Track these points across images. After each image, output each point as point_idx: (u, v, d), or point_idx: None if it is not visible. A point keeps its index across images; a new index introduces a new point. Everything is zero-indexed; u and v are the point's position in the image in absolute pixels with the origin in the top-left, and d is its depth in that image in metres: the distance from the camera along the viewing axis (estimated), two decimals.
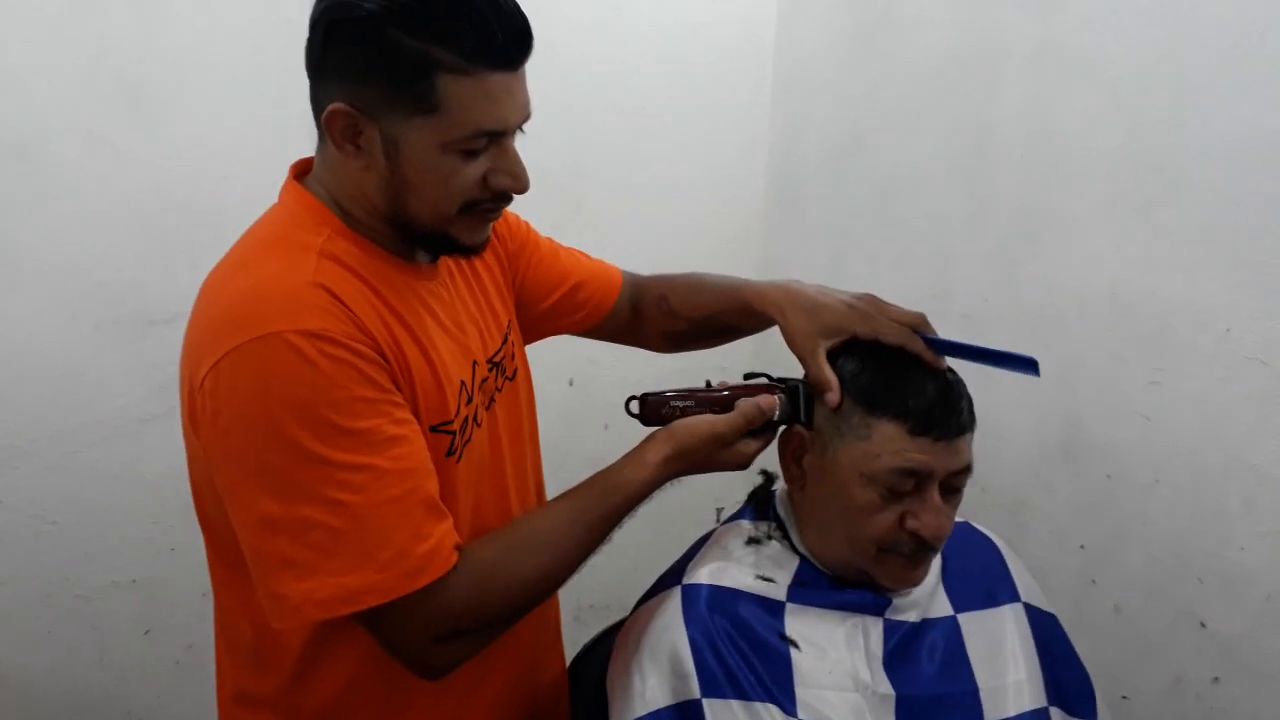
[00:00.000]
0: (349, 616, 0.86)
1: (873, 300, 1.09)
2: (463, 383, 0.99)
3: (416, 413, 0.93)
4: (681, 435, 0.99)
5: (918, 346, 1.04)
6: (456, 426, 0.97)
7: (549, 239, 1.30)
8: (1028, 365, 1.02)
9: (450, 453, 0.96)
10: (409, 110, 0.87)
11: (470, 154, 0.91)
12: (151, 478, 1.80)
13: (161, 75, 1.70)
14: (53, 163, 1.65)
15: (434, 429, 0.94)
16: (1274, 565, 1.29)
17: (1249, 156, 1.29)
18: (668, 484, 1.01)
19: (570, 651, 1.30)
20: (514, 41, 0.89)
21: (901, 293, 1.86)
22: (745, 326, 1.26)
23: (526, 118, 0.95)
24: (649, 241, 2.20)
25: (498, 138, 0.92)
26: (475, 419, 1.01)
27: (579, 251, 1.34)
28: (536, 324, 1.27)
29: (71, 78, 1.64)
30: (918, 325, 1.06)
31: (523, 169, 0.96)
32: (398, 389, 0.90)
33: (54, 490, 1.74)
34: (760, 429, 1.02)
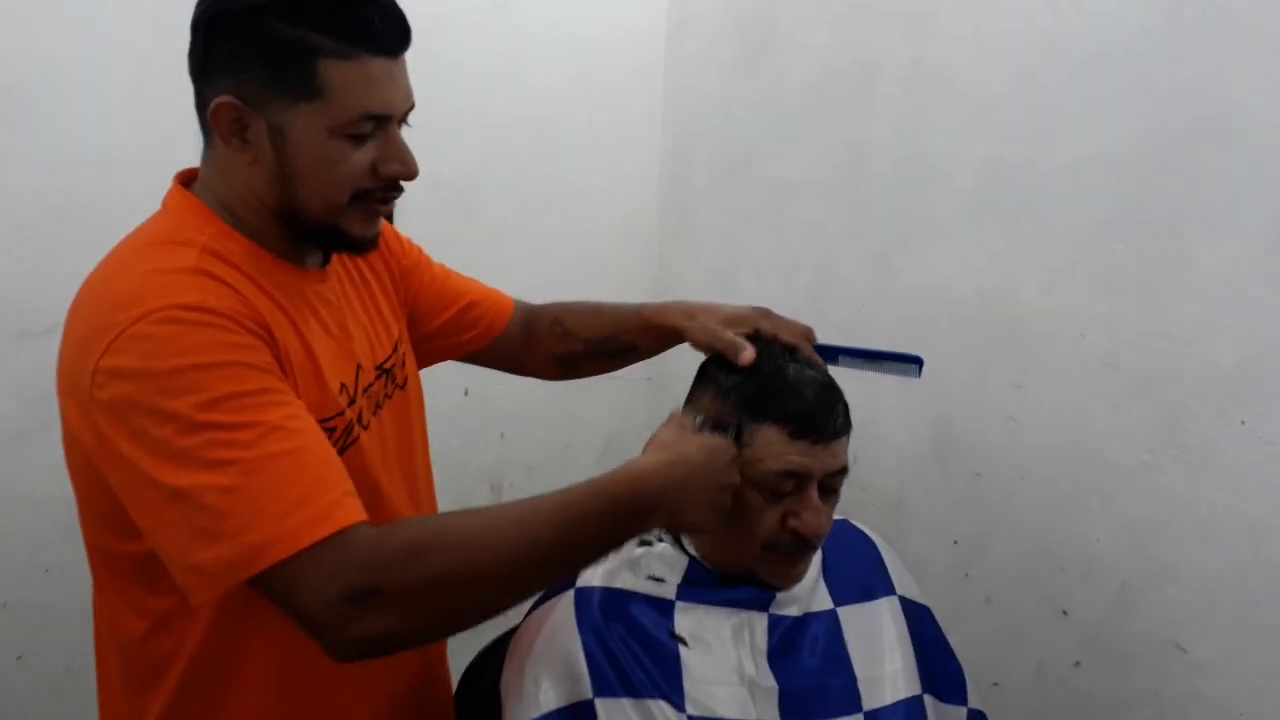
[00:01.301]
0: (256, 584, 0.82)
1: (768, 309, 1.19)
2: (343, 384, 0.99)
3: None
4: (684, 449, 0.97)
5: (809, 349, 1.14)
6: (337, 425, 0.97)
7: (442, 264, 1.32)
8: (911, 363, 1.12)
9: None
10: (293, 97, 0.89)
11: (357, 139, 0.92)
12: (26, 496, 1.73)
13: (35, 79, 1.64)
14: None
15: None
16: (1128, 555, 1.39)
17: (1101, 172, 1.39)
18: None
19: (465, 660, 1.31)
20: (392, 27, 0.91)
21: (787, 301, 1.92)
22: (642, 345, 1.30)
23: (410, 106, 0.97)
24: (541, 252, 2.23)
25: (383, 124, 0.93)
26: (360, 421, 1.01)
27: (471, 278, 1.36)
28: (428, 342, 1.28)
29: None
30: (808, 335, 1.18)
31: (410, 155, 0.97)
32: (282, 374, 0.90)
33: None
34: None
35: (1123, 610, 1.39)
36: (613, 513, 0.90)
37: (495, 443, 2.14)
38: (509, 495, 2.23)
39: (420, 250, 1.29)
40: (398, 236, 1.25)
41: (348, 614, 0.80)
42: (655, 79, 2.32)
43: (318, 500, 0.81)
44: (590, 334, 1.32)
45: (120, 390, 0.82)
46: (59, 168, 1.67)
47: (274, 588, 0.81)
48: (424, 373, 1.27)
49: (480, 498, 2.22)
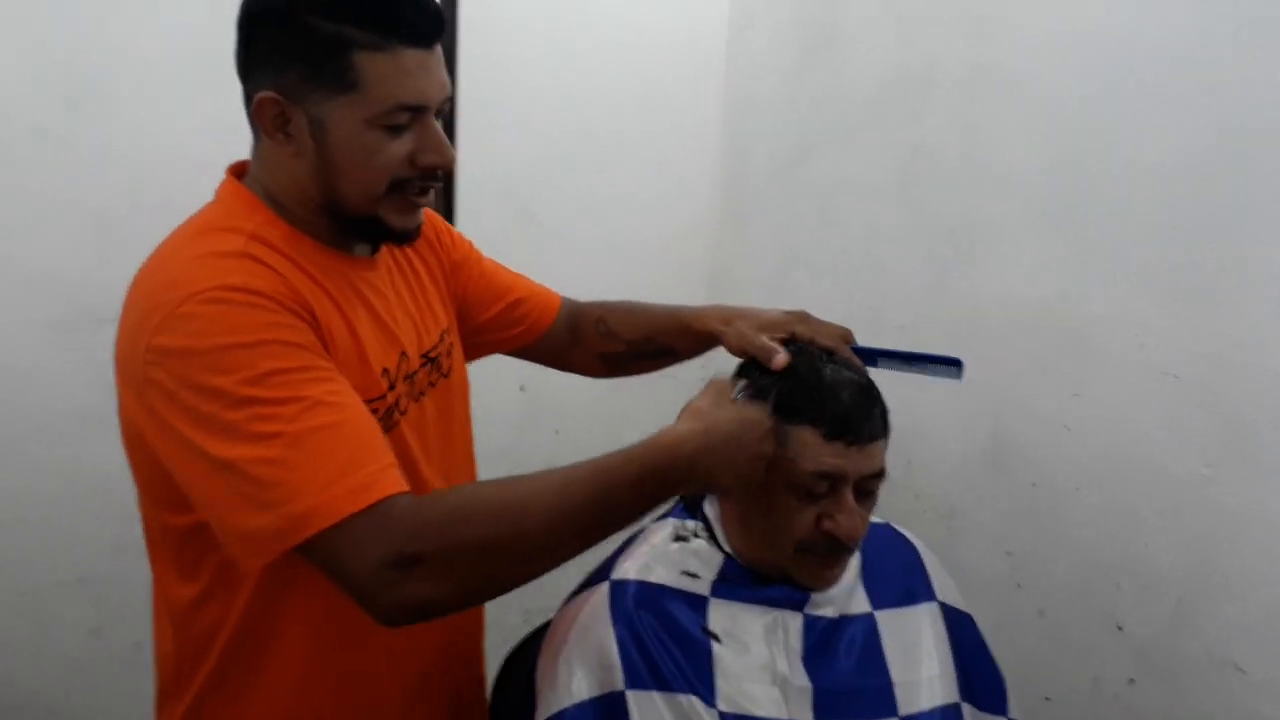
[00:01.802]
0: (304, 553, 0.84)
1: (806, 313, 1.19)
2: (385, 369, 1.01)
3: None
4: (718, 417, 0.98)
5: (847, 351, 1.13)
6: (379, 408, 0.99)
7: (492, 260, 1.35)
8: (952, 366, 1.11)
9: None
10: (331, 90, 0.92)
11: (393, 130, 0.95)
12: (100, 476, 1.80)
13: (109, 72, 1.72)
14: (1, 160, 1.66)
15: None
16: (1186, 570, 1.35)
17: (1163, 179, 1.35)
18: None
19: (496, 637, 1.34)
20: (424, 18, 0.94)
21: (841, 305, 1.93)
22: (680, 348, 1.31)
23: (446, 96, 0.99)
24: (600, 251, 2.25)
25: (419, 114, 0.96)
26: (400, 407, 1.03)
27: (521, 274, 1.38)
28: (476, 335, 1.30)
29: (18, 75, 1.66)
30: (847, 337, 1.16)
31: (447, 145, 0.99)
32: (325, 352, 0.92)
33: (1, 489, 1.75)
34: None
35: (1179, 627, 1.36)
36: (646, 479, 0.91)
37: (549, 438, 2.16)
38: None
39: (471, 245, 1.31)
40: (450, 230, 1.28)
41: (393, 579, 0.82)
42: (715, 80, 2.32)
43: (360, 470, 0.84)
44: (632, 334, 1.33)
45: (170, 367, 0.85)
46: (131, 159, 1.75)
47: (320, 556, 0.84)
48: (480, 368, 1.30)
49: None
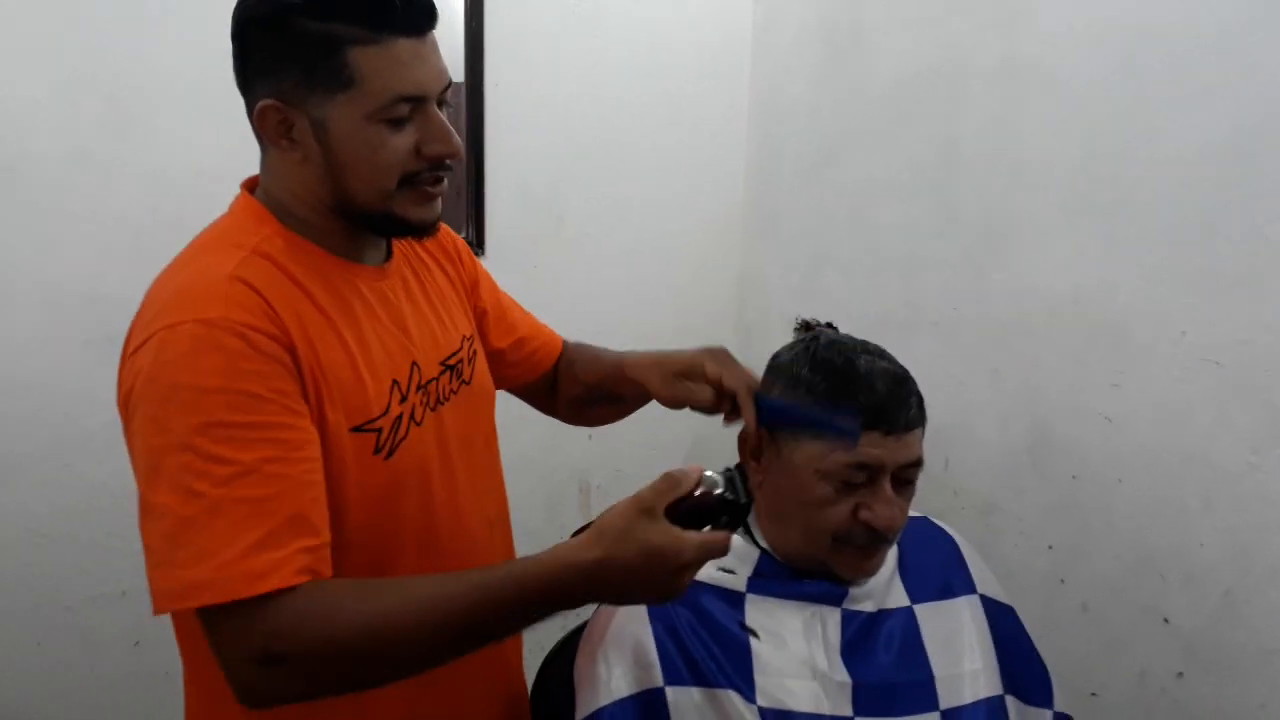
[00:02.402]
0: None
1: (725, 351, 1.16)
2: (395, 381, 1.00)
3: (328, 413, 0.93)
4: (622, 541, 0.86)
5: (747, 401, 1.08)
6: (384, 424, 0.98)
7: (506, 294, 1.34)
8: (848, 431, 1.02)
9: (378, 450, 0.97)
10: (328, 90, 0.92)
11: (395, 123, 0.94)
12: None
13: (149, 93, 1.74)
14: (41, 181, 1.69)
15: (356, 429, 0.95)
16: (1232, 561, 1.32)
17: (1201, 166, 1.34)
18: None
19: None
20: (413, 6, 0.93)
21: (876, 304, 1.91)
22: (626, 395, 1.27)
23: (445, 85, 0.98)
24: (630, 255, 2.25)
25: (420, 105, 0.95)
26: (414, 417, 1.02)
27: (529, 313, 1.37)
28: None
29: (59, 95, 1.69)
30: (751, 386, 1.10)
31: (452, 134, 0.98)
32: (303, 391, 0.91)
33: (45, 503, 1.78)
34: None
35: (1227, 618, 1.33)
36: (527, 600, 0.86)
37: (584, 444, 2.16)
38: (597, 496, 2.26)
39: (489, 275, 1.31)
40: (469, 252, 1.28)
41: (254, 674, 0.83)
42: (741, 81, 2.32)
43: (266, 555, 0.82)
44: (588, 378, 1.31)
45: (136, 385, 0.87)
46: (170, 179, 1.77)
47: (204, 625, 0.84)
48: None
49: (569, 498, 2.25)
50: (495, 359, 1.28)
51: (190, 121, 1.77)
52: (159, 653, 1.88)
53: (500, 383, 1.31)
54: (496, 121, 1.95)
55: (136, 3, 1.72)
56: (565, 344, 1.37)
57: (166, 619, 1.81)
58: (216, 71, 1.75)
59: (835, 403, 1.03)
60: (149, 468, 0.84)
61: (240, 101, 1.76)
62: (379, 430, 0.97)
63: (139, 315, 0.93)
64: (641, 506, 0.86)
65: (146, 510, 0.85)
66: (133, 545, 1.80)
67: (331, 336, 0.95)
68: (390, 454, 0.98)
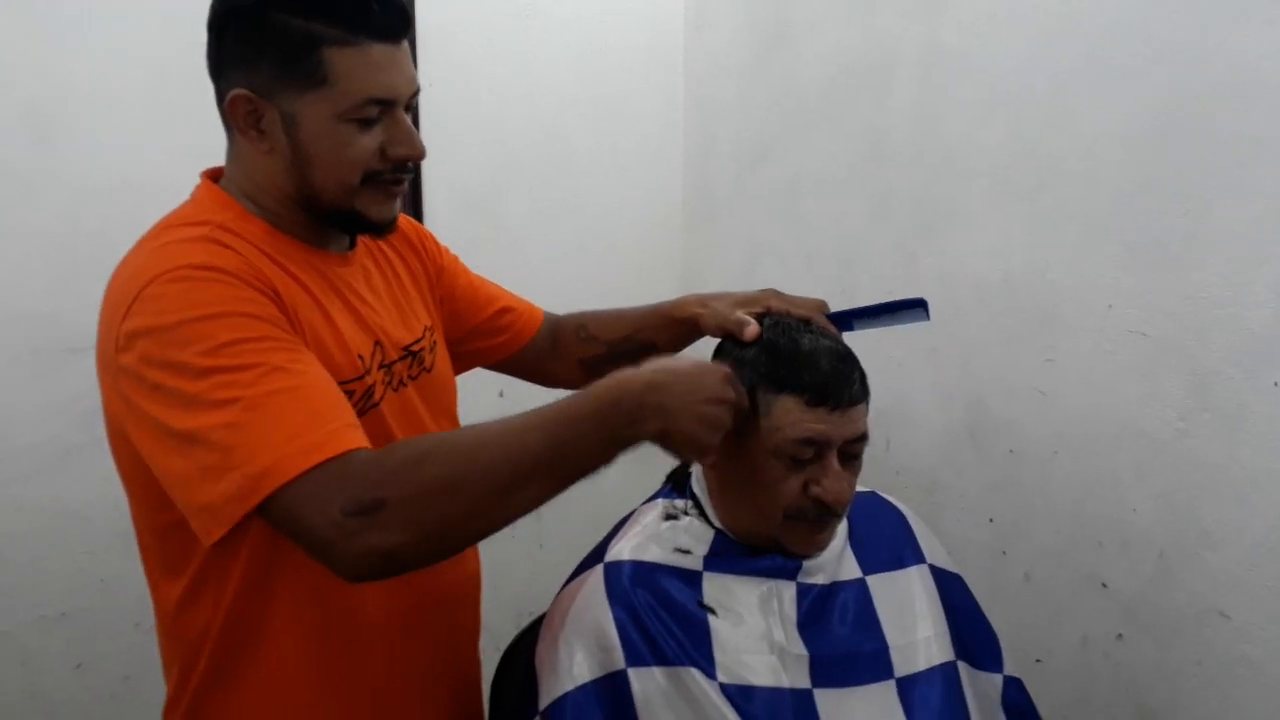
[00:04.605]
0: (267, 519, 0.84)
1: (777, 290, 1.22)
2: (360, 355, 1.02)
3: None
4: (670, 360, 0.97)
5: (823, 321, 1.17)
6: (355, 389, 1.00)
7: (478, 274, 1.36)
8: (918, 308, 1.16)
9: None
10: (301, 86, 0.94)
11: (364, 123, 0.96)
12: (79, 508, 1.79)
13: (67, 105, 1.71)
14: None
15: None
16: (1165, 525, 1.37)
17: (1120, 146, 1.39)
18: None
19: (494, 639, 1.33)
20: (391, 14, 0.96)
21: (813, 291, 1.93)
22: (662, 340, 1.31)
23: (415, 90, 1.01)
24: (569, 255, 2.26)
25: (389, 108, 0.98)
26: (373, 395, 1.03)
27: (505, 289, 1.40)
28: (460, 344, 1.31)
29: None
30: (822, 307, 1.20)
31: (417, 137, 1.01)
32: (290, 328, 0.93)
33: None
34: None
35: (1163, 580, 1.38)
36: (599, 413, 0.91)
37: None
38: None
39: (457, 259, 1.33)
40: (434, 239, 1.30)
41: (354, 528, 0.81)
42: (675, 81, 2.35)
43: (319, 429, 0.84)
44: (612, 335, 1.35)
45: (137, 349, 0.87)
46: (93, 190, 1.74)
47: (281, 515, 0.83)
48: (458, 375, 1.30)
49: None
50: (480, 332, 1.32)
51: (113, 132, 1.74)
52: (102, 674, 1.85)
53: (489, 356, 1.35)
54: (431, 123, 1.93)
55: (55, 11, 1.68)
56: (547, 315, 1.40)
57: (113, 638, 1.79)
58: (140, 82, 1.75)
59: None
60: (177, 404, 0.84)
61: (166, 114, 1.75)
62: (352, 392, 0.98)
63: (108, 298, 0.93)
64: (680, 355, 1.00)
65: (185, 444, 0.84)
66: (72, 565, 1.78)
67: (307, 299, 0.98)
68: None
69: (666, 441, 0.95)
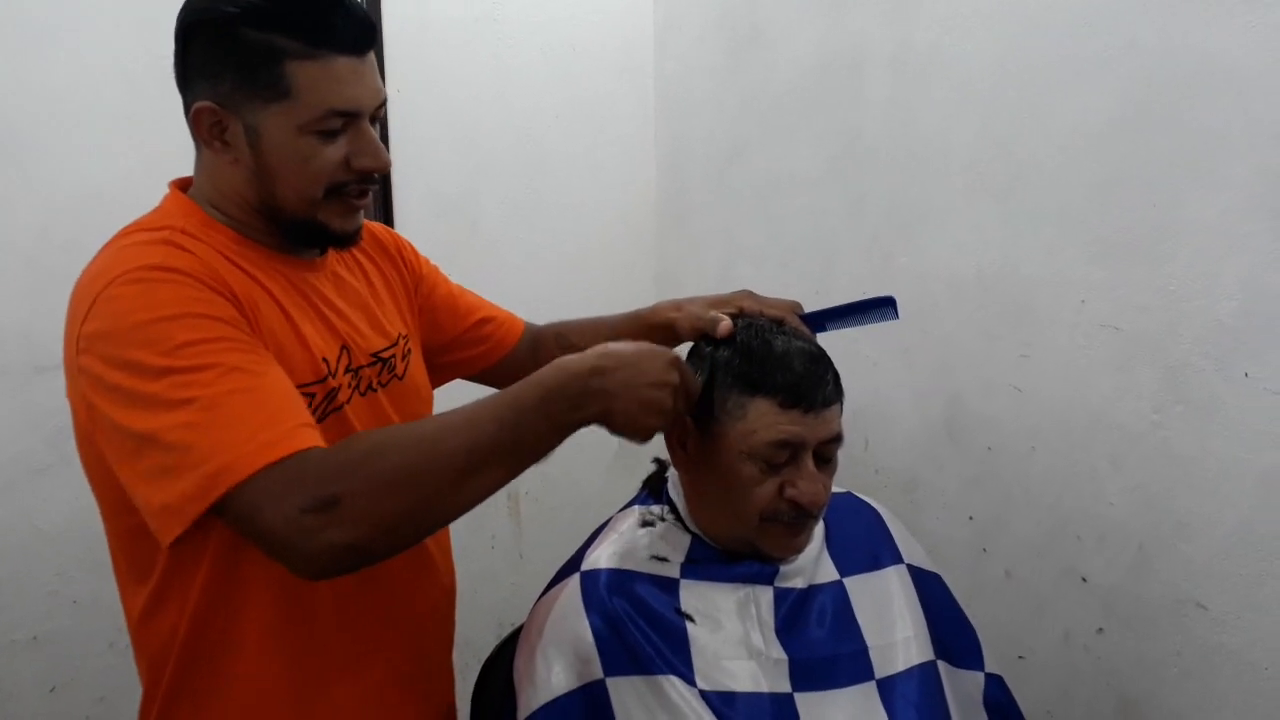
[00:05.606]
0: (224, 517, 0.84)
1: (750, 291, 1.22)
2: (324, 359, 1.02)
3: None
4: (615, 345, 0.98)
5: (796, 322, 1.17)
6: (317, 392, 0.99)
7: (459, 284, 1.36)
8: (887, 307, 1.18)
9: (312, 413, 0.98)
10: (265, 99, 0.94)
11: (327, 135, 0.96)
12: (49, 530, 1.76)
13: (35, 117, 1.68)
14: None
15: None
16: (1142, 517, 1.37)
17: (1090, 141, 1.39)
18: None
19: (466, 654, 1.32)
20: (355, 27, 0.96)
21: (788, 291, 1.93)
22: None
23: (380, 102, 1.01)
24: (544, 259, 2.25)
25: (353, 120, 0.98)
26: (335, 398, 1.03)
27: (485, 299, 1.40)
28: (441, 354, 1.31)
29: None
30: (795, 308, 1.20)
31: (381, 149, 1.01)
32: (249, 329, 0.93)
33: None
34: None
35: (1141, 572, 1.38)
36: (546, 399, 0.91)
37: None
38: (529, 504, 2.24)
39: (436, 269, 1.33)
40: (412, 248, 1.30)
41: (311, 526, 0.82)
42: (646, 83, 2.34)
43: (275, 428, 0.85)
44: (591, 342, 1.33)
45: (96, 351, 0.87)
46: (61, 204, 1.71)
47: (238, 515, 0.83)
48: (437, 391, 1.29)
49: (498, 504, 2.23)
50: (460, 342, 1.32)
51: (82, 143, 1.72)
52: (76, 697, 1.83)
53: (470, 366, 1.35)
54: (401, 128, 1.92)
55: (24, 21, 1.66)
56: (527, 325, 1.40)
57: (86, 660, 1.77)
58: (108, 92, 1.73)
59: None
60: (135, 405, 0.85)
61: (135, 123, 1.73)
62: (313, 395, 0.98)
63: (71, 303, 0.93)
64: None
65: (143, 445, 0.84)
66: (44, 587, 1.76)
67: (268, 302, 0.98)
68: (320, 422, 0.98)
69: (609, 424, 0.95)
